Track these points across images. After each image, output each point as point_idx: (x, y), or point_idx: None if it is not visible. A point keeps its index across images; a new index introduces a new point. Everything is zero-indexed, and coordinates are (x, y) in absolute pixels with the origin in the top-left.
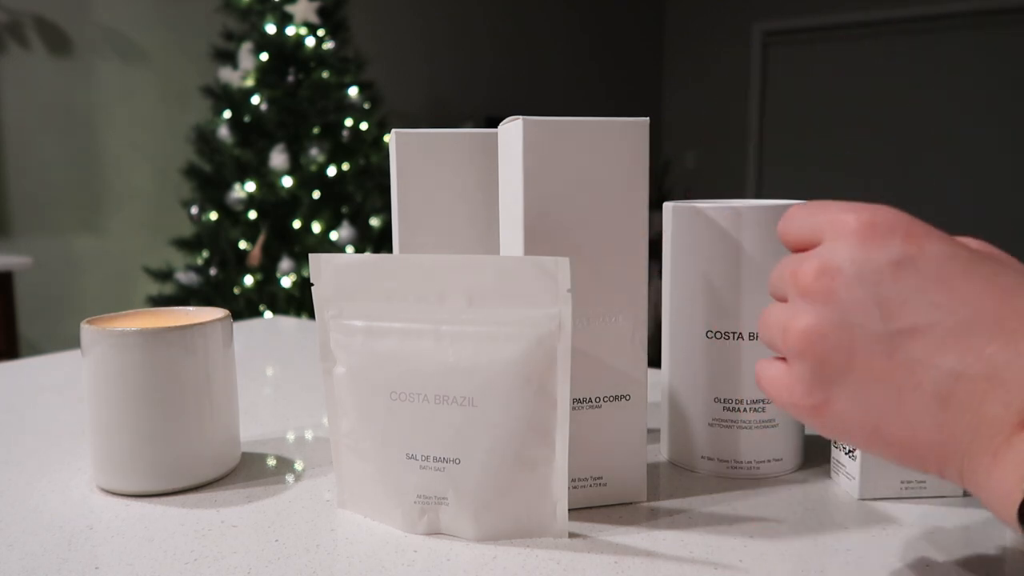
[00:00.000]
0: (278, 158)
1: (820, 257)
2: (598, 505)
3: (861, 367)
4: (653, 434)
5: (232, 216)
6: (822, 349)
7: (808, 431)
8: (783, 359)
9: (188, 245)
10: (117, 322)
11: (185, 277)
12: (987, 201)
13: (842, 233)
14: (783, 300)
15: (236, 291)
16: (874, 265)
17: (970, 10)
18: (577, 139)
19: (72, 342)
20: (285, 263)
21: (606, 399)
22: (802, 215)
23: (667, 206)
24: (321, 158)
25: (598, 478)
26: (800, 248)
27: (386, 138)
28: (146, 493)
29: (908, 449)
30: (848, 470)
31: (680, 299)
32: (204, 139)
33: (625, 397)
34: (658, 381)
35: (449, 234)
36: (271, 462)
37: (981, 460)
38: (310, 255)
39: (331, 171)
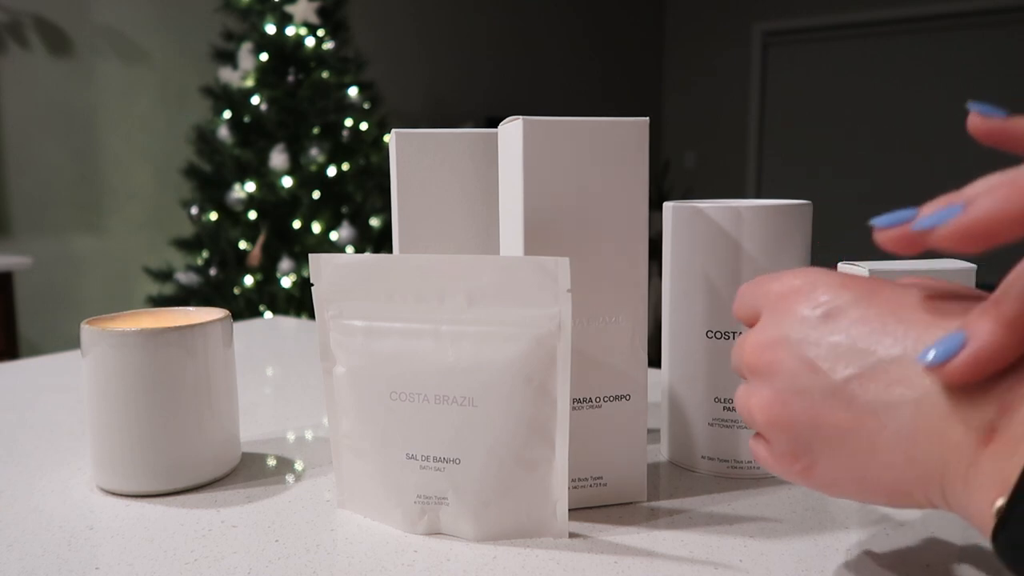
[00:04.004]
0: (278, 158)
1: (757, 333)
2: (598, 505)
3: (827, 425)
4: (653, 434)
5: (232, 216)
6: (786, 419)
7: None
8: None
9: (188, 245)
10: (117, 322)
11: (185, 277)
12: None
13: (771, 301)
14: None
15: (236, 291)
16: (806, 324)
17: (970, 10)
18: (577, 139)
19: (72, 342)
20: (285, 263)
21: (606, 399)
22: (745, 294)
23: (667, 206)
24: (321, 158)
25: (598, 478)
26: (751, 323)
27: (386, 138)
28: (146, 493)
29: (895, 492)
30: None
31: (680, 299)
32: (204, 139)
33: (625, 397)
34: (658, 381)
35: (449, 234)
36: (271, 462)
37: (956, 487)
38: (310, 255)
39: (331, 171)
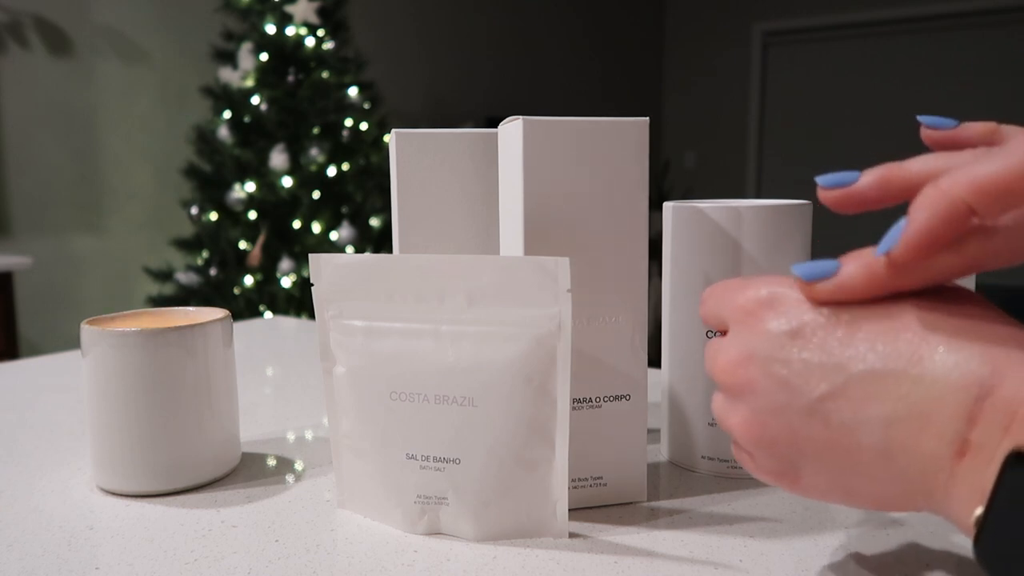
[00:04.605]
0: (278, 158)
1: (729, 349)
2: (598, 505)
3: (806, 441)
4: (653, 434)
5: (232, 216)
6: (766, 438)
7: None
8: None
9: (188, 245)
10: (117, 322)
11: (185, 277)
12: None
13: (738, 316)
14: None
15: (236, 291)
16: (776, 341)
17: (970, 10)
18: (577, 139)
19: (72, 342)
20: (285, 263)
21: (606, 399)
22: (709, 300)
23: (667, 206)
24: (321, 158)
25: (598, 478)
26: (718, 328)
27: (386, 138)
28: (146, 493)
29: (882, 501)
30: None
31: (680, 299)
32: (204, 139)
33: (625, 397)
34: (658, 381)
35: (449, 234)
36: (271, 462)
37: (939, 498)
38: (310, 255)
39: (331, 171)
